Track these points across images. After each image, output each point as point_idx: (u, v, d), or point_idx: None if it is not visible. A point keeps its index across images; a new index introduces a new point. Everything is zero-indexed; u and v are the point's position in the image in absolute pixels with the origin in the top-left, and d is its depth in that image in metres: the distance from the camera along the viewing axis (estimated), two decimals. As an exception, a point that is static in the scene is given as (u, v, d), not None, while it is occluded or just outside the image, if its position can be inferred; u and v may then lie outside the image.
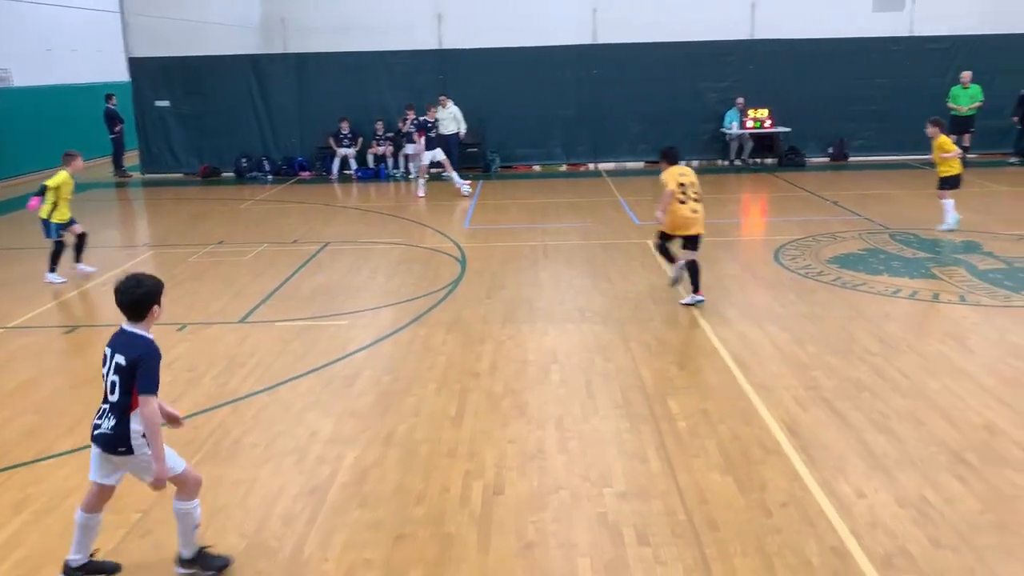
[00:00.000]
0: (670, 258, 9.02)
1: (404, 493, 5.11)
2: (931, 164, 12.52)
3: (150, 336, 4.07)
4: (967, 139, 17.87)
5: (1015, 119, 18.31)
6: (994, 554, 4.29)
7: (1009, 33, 18.64)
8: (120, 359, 3.98)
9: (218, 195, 17.45)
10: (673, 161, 8.84)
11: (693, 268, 8.68)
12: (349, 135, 19.13)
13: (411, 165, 18.97)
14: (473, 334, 8.02)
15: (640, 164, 19.56)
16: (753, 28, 18.95)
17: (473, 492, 5.06)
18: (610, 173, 19.02)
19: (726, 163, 19.36)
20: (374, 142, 19.15)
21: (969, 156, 17.93)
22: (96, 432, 4.10)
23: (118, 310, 4.06)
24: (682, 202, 8.53)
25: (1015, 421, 5.82)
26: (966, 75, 17.75)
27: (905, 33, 18.92)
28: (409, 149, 18.81)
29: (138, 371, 3.94)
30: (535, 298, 9.20)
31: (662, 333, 7.93)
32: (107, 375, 4.04)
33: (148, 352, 3.99)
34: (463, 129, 17.98)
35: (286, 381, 6.99)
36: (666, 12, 18.69)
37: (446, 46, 19.25)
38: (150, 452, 4.02)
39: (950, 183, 11.72)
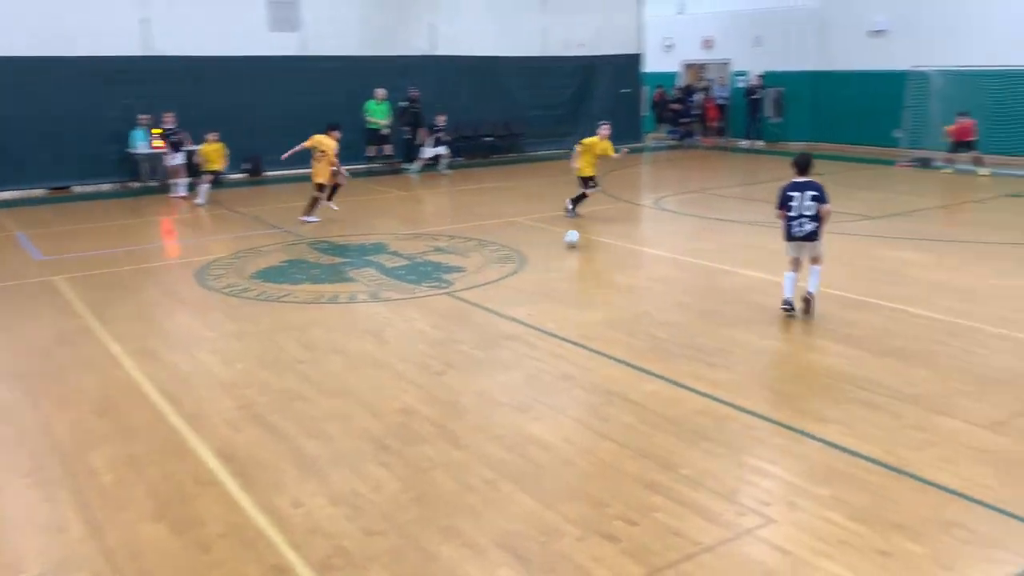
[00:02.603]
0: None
1: None
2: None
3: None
4: (388, 149, 19.96)
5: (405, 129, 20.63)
6: (416, 526, 4.71)
7: (384, 55, 20.98)
8: (814, 192, 8.06)
9: None
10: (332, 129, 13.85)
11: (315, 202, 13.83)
12: None
13: None
14: None
15: (42, 191, 17.45)
16: (146, 44, 18.13)
17: None
18: (5, 204, 16.51)
19: (138, 185, 18.23)
20: None
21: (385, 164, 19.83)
22: (801, 232, 8.12)
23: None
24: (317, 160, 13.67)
25: (426, 400, 6.52)
26: (380, 92, 19.65)
27: (301, 52, 20.01)
28: None
29: (823, 194, 8.08)
30: (-96, 366, 7.50)
31: (78, 380, 7.08)
32: (802, 202, 8.05)
33: (822, 186, 8.19)
34: None
35: None
36: (49, 21, 16.86)
37: None
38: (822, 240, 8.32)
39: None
